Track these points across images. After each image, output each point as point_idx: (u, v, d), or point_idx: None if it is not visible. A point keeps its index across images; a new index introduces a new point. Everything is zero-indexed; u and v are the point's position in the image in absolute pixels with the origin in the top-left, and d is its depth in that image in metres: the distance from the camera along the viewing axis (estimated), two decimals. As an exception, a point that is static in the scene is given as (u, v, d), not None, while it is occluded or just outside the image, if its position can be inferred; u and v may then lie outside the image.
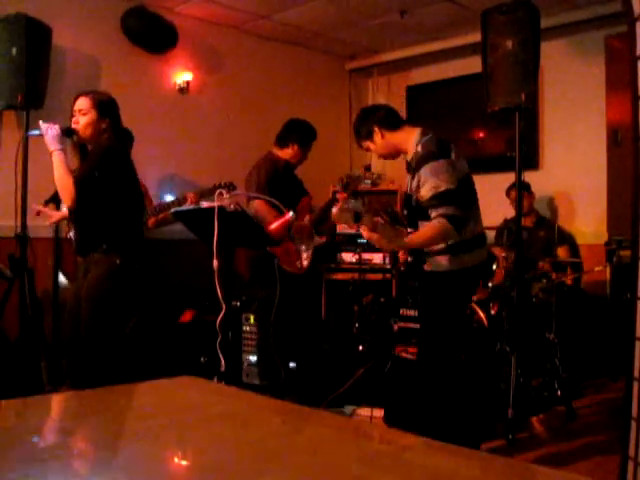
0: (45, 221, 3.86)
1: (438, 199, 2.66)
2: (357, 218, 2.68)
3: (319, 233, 4.18)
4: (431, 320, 3.04)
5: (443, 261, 2.88)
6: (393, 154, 3.01)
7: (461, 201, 2.69)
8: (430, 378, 2.99)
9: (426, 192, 2.70)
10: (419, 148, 2.83)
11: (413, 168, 2.85)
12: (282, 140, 4.21)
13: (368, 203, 2.79)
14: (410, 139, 2.89)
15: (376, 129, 2.94)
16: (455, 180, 2.70)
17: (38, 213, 3.86)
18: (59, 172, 3.03)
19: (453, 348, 2.87)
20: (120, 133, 3.28)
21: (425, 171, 2.72)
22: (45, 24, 4.21)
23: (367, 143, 3.01)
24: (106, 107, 3.18)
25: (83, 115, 3.13)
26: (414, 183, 2.81)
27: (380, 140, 2.95)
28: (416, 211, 2.84)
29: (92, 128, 3.14)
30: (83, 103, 3.15)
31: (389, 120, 2.94)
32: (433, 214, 2.67)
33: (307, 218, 4.11)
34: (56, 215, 3.78)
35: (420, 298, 3.12)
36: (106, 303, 3.14)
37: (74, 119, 3.15)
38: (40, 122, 3.11)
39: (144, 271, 3.38)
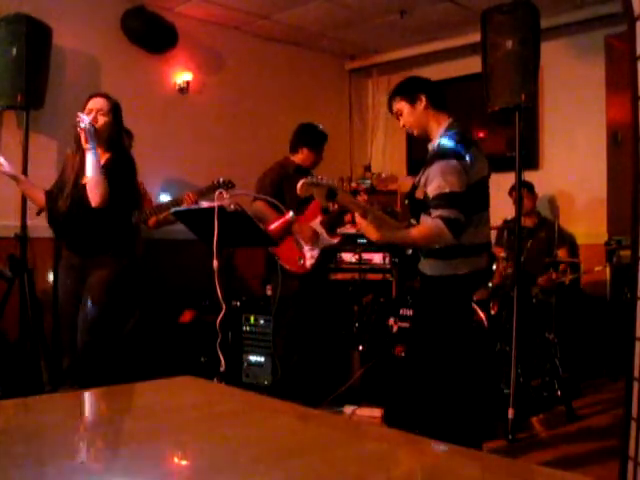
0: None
1: (440, 200, 2.62)
2: (331, 195, 2.62)
3: (332, 232, 4.18)
4: (419, 322, 3.02)
5: (427, 264, 2.83)
6: (420, 131, 2.88)
7: (464, 206, 2.63)
8: (417, 377, 2.97)
9: (431, 191, 2.66)
10: (436, 142, 2.78)
11: (427, 161, 2.79)
12: (293, 145, 4.27)
13: (340, 181, 2.74)
14: (439, 127, 2.81)
15: (423, 97, 2.82)
16: (463, 184, 2.63)
17: None
18: (96, 171, 3.06)
19: (437, 351, 2.81)
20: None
21: (435, 169, 2.67)
22: (45, 24, 4.21)
23: (403, 104, 2.85)
24: (119, 113, 3.26)
25: (102, 115, 3.17)
26: (423, 177, 2.76)
27: (421, 110, 2.82)
28: (418, 204, 2.78)
29: (106, 131, 3.19)
30: (103, 103, 3.19)
31: (438, 96, 2.84)
32: (433, 214, 2.64)
33: (319, 219, 4.12)
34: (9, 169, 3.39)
35: (415, 298, 3.10)
36: (114, 302, 3.21)
37: (92, 116, 3.14)
38: (80, 114, 3.09)
39: (141, 271, 3.44)
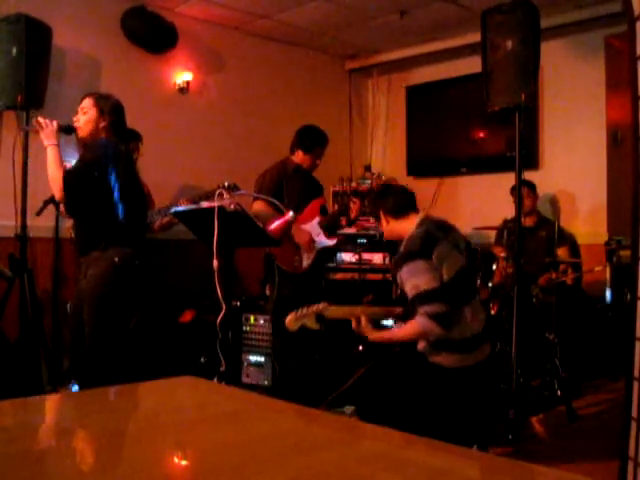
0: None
1: (420, 299, 2.68)
2: (320, 318, 2.79)
3: (329, 234, 4.19)
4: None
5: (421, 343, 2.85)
6: (398, 238, 3.03)
7: (446, 298, 2.67)
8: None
9: (409, 291, 2.74)
10: (402, 244, 2.86)
11: (396, 262, 2.87)
12: (291, 146, 4.28)
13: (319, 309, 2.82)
14: (410, 227, 2.91)
15: (381, 214, 3.00)
16: (436, 279, 2.69)
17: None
18: (51, 166, 3.11)
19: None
20: (122, 133, 3.31)
21: (404, 273, 2.75)
22: (45, 24, 4.21)
23: (380, 223, 3.09)
24: (107, 106, 3.23)
25: (84, 113, 3.21)
26: (398, 279, 2.84)
27: (385, 225, 3.02)
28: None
29: (91, 125, 3.20)
30: (85, 102, 3.24)
31: (395, 209, 2.98)
32: (419, 311, 2.69)
33: (317, 219, 4.13)
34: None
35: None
36: (107, 301, 3.13)
37: (75, 117, 3.23)
38: (39, 117, 3.17)
39: (145, 269, 3.36)
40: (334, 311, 2.86)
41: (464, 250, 2.93)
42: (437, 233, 2.84)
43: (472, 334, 2.79)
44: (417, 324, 2.69)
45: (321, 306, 2.79)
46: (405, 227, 2.93)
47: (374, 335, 2.81)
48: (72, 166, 3.15)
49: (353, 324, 2.80)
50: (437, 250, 2.75)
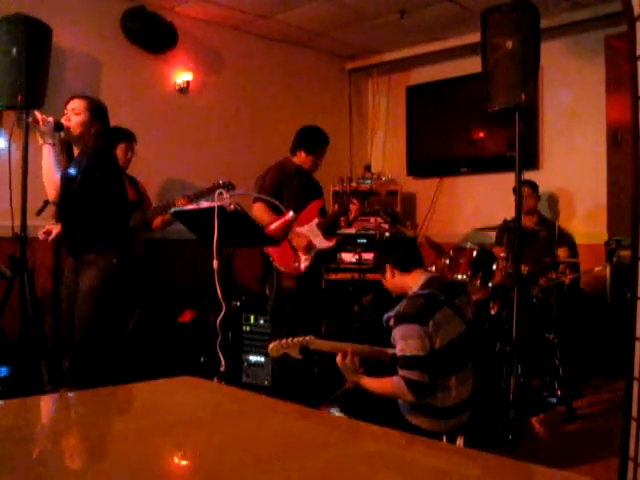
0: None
1: (402, 362, 2.69)
2: (305, 350, 2.76)
3: (328, 235, 4.19)
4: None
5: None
6: (401, 292, 3.02)
7: (428, 368, 2.67)
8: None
9: (397, 352, 2.74)
10: (403, 303, 2.83)
11: (394, 318, 2.85)
12: (292, 147, 4.28)
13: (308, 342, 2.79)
14: (415, 285, 2.90)
15: (388, 267, 2.98)
16: (425, 348, 2.67)
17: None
18: (48, 166, 3.11)
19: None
20: (108, 137, 3.37)
21: (397, 332, 2.75)
22: (45, 24, 4.21)
23: (384, 275, 3.07)
24: (99, 112, 3.28)
25: (76, 115, 3.21)
26: (392, 334, 2.83)
27: (390, 277, 3.00)
28: None
29: (82, 128, 3.22)
30: (77, 104, 3.24)
31: (402, 263, 2.97)
32: (399, 372, 2.69)
33: (316, 221, 4.13)
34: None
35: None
36: (107, 302, 3.18)
37: (65, 117, 3.23)
38: (36, 112, 3.17)
39: (136, 269, 3.41)
40: (320, 344, 2.84)
41: (469, 316, 2.92)
42: (442, 297, 2.81)
43: (455, 403, 2.78)
44: (392, 385, 2.70)
45: (307, 338, 2.76)
46: (408, 282, 2.93)
47: (352, 378, 2.79)
48: (74, 171, 3.12)
49: (338, 358, 2.77)
50: (436, 316, 2.73)
